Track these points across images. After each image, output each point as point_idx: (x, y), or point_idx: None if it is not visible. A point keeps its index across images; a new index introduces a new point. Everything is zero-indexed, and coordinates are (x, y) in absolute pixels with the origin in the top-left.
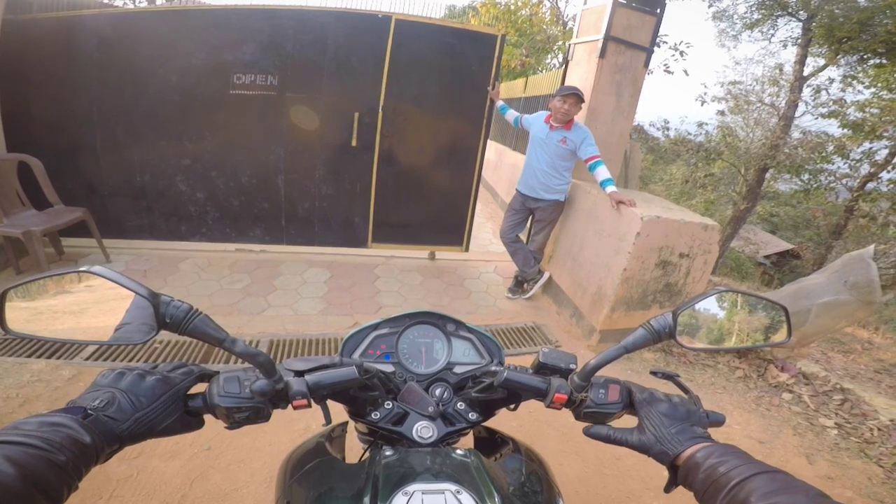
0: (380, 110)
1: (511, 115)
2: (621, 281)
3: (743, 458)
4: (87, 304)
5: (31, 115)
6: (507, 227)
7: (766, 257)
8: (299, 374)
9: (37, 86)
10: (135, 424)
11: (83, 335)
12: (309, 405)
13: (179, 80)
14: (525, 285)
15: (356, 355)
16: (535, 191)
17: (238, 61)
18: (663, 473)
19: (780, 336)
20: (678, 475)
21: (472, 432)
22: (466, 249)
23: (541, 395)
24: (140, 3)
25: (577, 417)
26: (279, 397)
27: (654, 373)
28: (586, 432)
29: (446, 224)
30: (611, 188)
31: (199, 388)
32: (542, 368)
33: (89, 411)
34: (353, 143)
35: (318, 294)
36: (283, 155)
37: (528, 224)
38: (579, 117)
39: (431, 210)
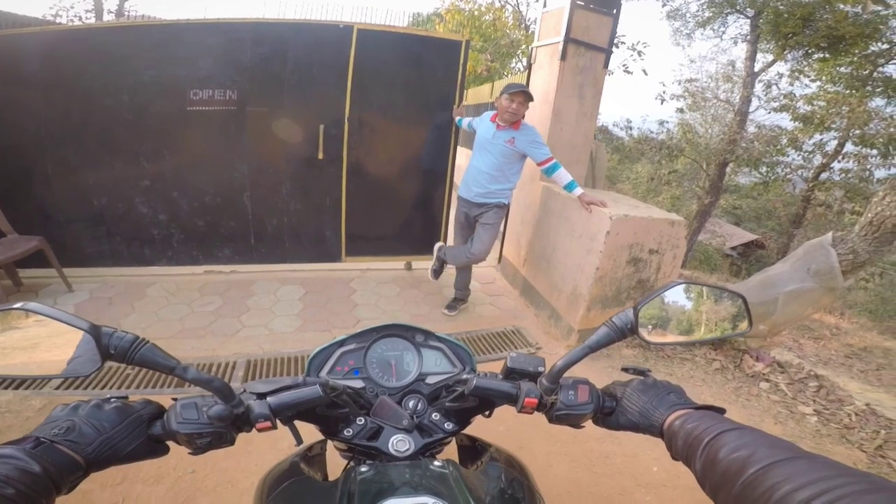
0: (346, 122)
1: (465, 122)
2: (595, 280)
3: (717, 419)
4: (39, 338)
5: None
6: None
7: (733, 248)
8: (261, 396)
9: None
10: (100, 448)
11: (38, 370)
12: (274, 427)
13: (131, 98)
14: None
15: (323, 373)
16: (477, 196)
17: (193, 76)
18: (653, 469)
19: (742, 326)
20: (666, 444)
21: (454, 441)
22: None
23: (512, 400)
24: (88, 20)
25: (551, 420)
26: (242, 421)
27: (625, 369)
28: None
29: (421, 233)
30: (578, 190)
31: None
32: (511, 373)
33: (42, 440)
34: (320, 156)
35: (294, 311)
36: (247, 171)
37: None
38: (544, 120)
39: (405, 220)
